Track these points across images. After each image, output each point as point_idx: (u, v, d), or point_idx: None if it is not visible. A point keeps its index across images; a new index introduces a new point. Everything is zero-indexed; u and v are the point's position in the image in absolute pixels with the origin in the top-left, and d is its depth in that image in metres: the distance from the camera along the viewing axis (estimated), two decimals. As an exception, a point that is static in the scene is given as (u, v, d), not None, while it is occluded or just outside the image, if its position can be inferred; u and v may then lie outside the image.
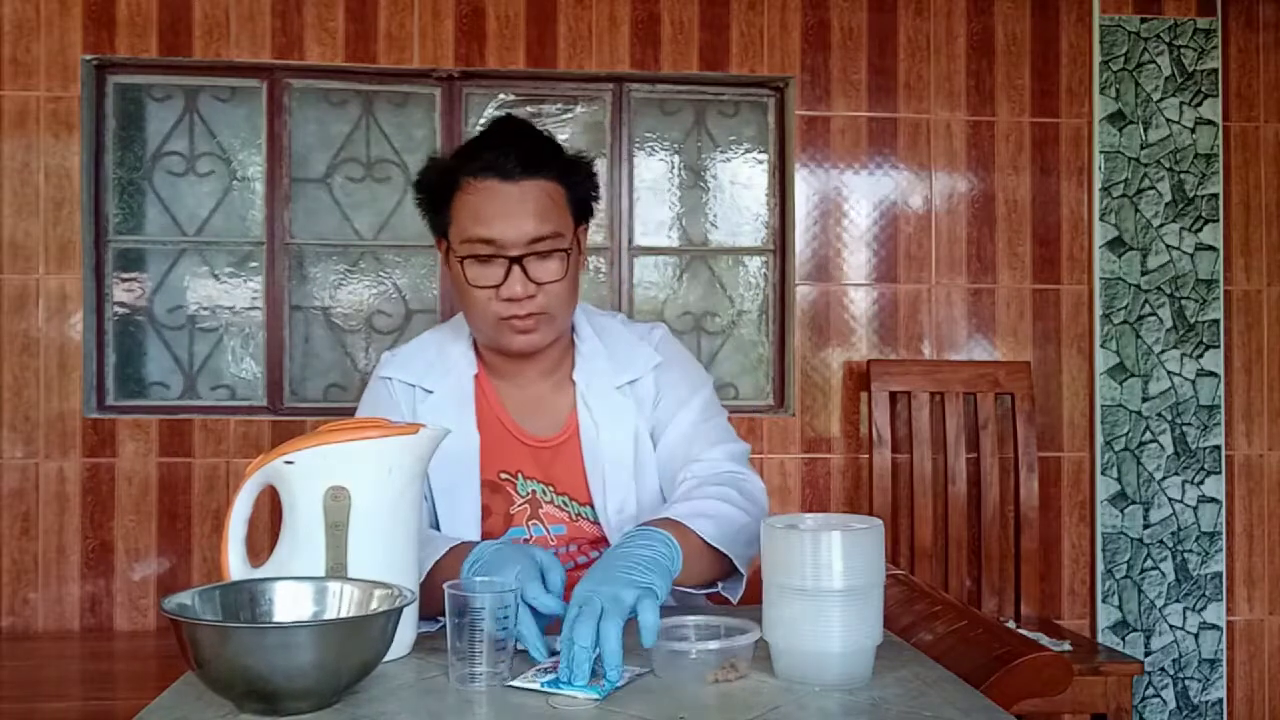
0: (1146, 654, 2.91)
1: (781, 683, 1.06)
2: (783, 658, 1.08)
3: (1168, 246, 2.94)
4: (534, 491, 1.50)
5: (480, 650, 1.03)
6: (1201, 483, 2.94)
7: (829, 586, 1.03)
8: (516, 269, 1.40)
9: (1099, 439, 2.92)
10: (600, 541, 1.49)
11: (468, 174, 1.42)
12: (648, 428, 1.53)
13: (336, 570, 1.09)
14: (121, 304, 2.83)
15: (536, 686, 1.03)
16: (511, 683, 1.04)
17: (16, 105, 2.70)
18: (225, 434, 2.73)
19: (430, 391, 1.51)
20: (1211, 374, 2.95)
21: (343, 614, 1.04)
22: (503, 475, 1.49)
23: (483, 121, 2.90)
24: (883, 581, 1.09)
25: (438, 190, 1.46)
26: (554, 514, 1.49)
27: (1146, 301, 2.93)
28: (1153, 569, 2.92)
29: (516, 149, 1.42)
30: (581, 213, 1.50)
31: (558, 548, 1.48)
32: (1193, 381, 2.94)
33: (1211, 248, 2.95)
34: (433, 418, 1.46)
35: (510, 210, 1.40)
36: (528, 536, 1.48)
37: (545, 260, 1.41)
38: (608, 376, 1.51)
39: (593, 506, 1.48)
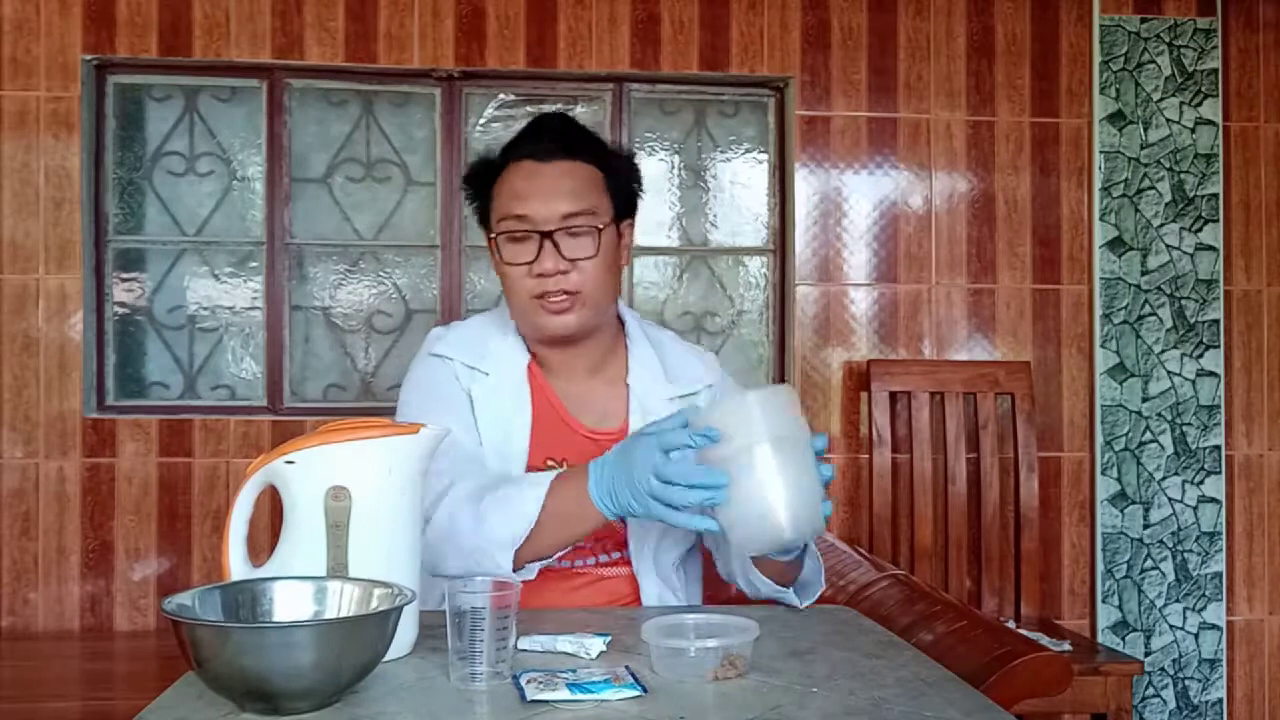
0: (1146, 654, 2.91)
1: (782, 681, 1.06)
2: (735, 529, 1.14)
3: (1168, 246, 2.94)
4: None
5: (480, 650, 1.02)
6: (1201, 483, 2.94)
7: (759, 440, 1.11)
8: (548, 244, 1.44)
9: (1099, 439, 2.92)
10: (628, 545, 1.49)
11: (508, 159, 1.50)
12: None
13: (337, 570, 1.09)
14: (121, 304, 2.83)
15: (564, 696, 0.97)
16: (534, 697, 0.98)
17: (16, 105, 2.70)
18: (225, 434, 2.73)
19: (486, 374, 1.52)
20: (1211, 374, 2.95)
21: (343, 614, 1.04)
22: (549, 462, 1.51)
23: (483, 121, 2.90)
24: (809, 437, 1.15)
25: (482, 178, 1.52)
26: None
27: (1146, 301, 2.93)
28: (1153, 569, 2.92)
29: (553, 134, 1.49)
30: (625, 206, 1.54)
31: (586, 543, 1.48)
32: (1193, 381, 2.94)
33: (1211, 248, 2.95)
34: (489, 399, 1.50)
35: (543, 187, 1.45)
36: None
37: (577, 237, 1.45)
38: (661, 385, 1.55)
39: None
